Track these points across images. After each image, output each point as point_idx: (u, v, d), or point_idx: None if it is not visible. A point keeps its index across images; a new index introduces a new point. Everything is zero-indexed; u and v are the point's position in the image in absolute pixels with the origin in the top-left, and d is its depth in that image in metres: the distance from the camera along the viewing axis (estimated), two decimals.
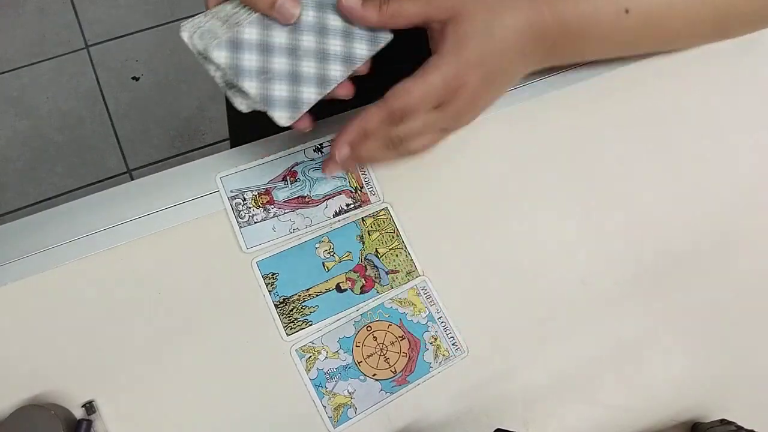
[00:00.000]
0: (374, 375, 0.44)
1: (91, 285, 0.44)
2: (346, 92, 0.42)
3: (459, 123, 0.45)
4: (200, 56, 0.39)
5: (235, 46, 0.37)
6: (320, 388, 0.43)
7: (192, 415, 0.42)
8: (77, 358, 0.42)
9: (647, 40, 0.49)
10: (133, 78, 1.59)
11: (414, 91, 0.39)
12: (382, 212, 0.48)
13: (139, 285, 0.44)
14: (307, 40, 0.39)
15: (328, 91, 0.40)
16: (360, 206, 0.48)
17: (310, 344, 0.44)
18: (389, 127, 0.41)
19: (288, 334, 0.44)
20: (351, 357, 0.44)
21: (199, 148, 1.54)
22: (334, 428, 0.42)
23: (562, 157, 0.51)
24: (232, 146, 0.60)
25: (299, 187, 0.48)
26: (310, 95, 0.40)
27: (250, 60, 0.37)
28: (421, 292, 0.46)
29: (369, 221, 0.47)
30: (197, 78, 1.59)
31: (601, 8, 0.44)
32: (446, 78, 0.40)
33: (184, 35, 0.38)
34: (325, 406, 0.43)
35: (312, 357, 0.44)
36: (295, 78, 0.39)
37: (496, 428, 0.38)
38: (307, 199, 0.47)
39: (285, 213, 0.47)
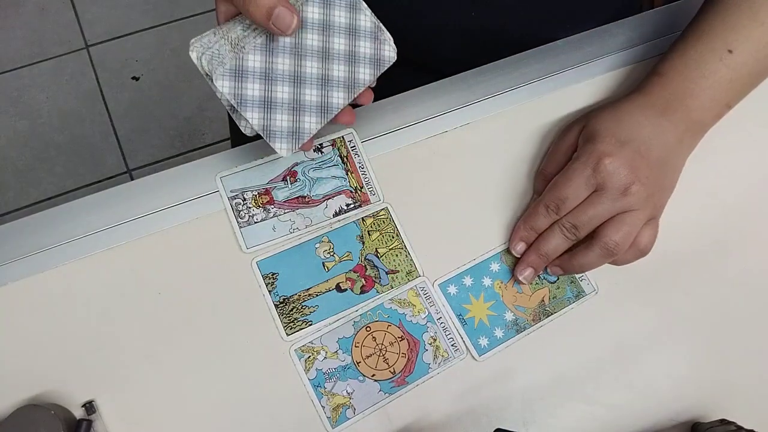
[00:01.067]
0: (373, 375, 0.44)
1: (91, 285, 0.44)
2: (348, 119, 0.43)
3: (631, 204, 0.44)
4: (207, 77, 0.39)
5: (239, 74, 0.37)
6: (319, 388, 0.43)
7: (191, 414, 0.42)
8: (77, 358, 0.42)
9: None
10: (133, 78, 1.59)
11: (558, 180, 0.45)
12: (382, 212, 0.48)
13: (139, 285, 0.44)
14: (311, 66, 0.39)
15: (329, 120, 0.40)
16: (360, 206, 0.48)
17: (310, 344, 0.44)
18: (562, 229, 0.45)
19: (288, 334, 0.44)
20: (350, 357, 0.44)
21: (199, 148, 1.54)
22: (333, 428, 0.42)
23: None
24: (233, 146, 0.60)
25: (299, 187, 0.48)
26: (311, 125, 0.39)
27: (253, 90, 0.37)
28: (421, 292, 0.46)
29: (369, 221, 0.47)
30: (197, 78, 1.59)
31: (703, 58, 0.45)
32: (588, 162, 0.44)
33: (193, 55, 0.37)
34: (323, 407, 0.43)
35: (311, 357, 0.44)
36: (297, 107, 0.39)
37: (496, 428, 0.38)
38: (306, 199, 0.47)
39: (285, 213, 0.47)
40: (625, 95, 0.48)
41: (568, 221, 0.44)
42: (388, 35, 0.41)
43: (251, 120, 0.38)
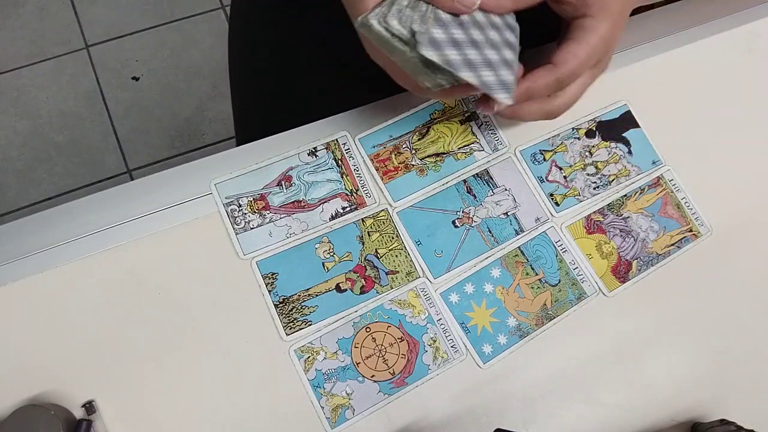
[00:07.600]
0: (372, 376, 0.44)
1: (91, 285, 0.44)
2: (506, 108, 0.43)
3: (600, 74, 0.45)
4: (394, 38, 0.38)
5: (436, 45, 0.38)
6: (318, 388, 0.43)
7: (191, 414, 0.42)
8: (77, 358, 0.42)
9: None
10: (133, 78, 1.59)
11: (580, 54, 0.41)
12: (382, 213, 0.48)
13: (139, 285, 0.44)
14: (475, 34, 0.39)
15: (515, 71, 0.41)
16: (356, 209, 0.48)
17: (309, 345, 0.44)
18: (547, 99, 0.43)
19: (287, 334, 0.44)
20: (350, 358, 0.44)
21: (199, 148, 1.55)
22: (332, 429, 0.42)
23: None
24: (239, 143, 0.60)
25: (294, 192, 0.48)
26: (508, 76, 0.40)
27: (453, 54, 0.38)
28: (421, 293, 0.46)
29: (369, 222, 0.47)
30: (197, 78, 1.59)
31: None
32: (604, 36, 0.41)
33: (373, 22, 0.37)
34: (323, 407, 0.43)
35: (311, 357, 0.44)
36: (489, 64, 0.39)
37: (496, 428, 0.38)
38: (302, 203, 0.47)
39: (281, 218, 0.47)
40: None
41: (557, 106, 0.44)
42: None
43: (468, 78, 0.38)
